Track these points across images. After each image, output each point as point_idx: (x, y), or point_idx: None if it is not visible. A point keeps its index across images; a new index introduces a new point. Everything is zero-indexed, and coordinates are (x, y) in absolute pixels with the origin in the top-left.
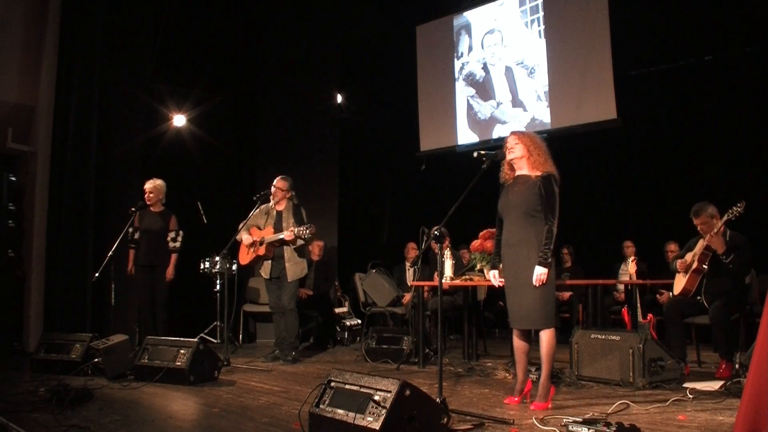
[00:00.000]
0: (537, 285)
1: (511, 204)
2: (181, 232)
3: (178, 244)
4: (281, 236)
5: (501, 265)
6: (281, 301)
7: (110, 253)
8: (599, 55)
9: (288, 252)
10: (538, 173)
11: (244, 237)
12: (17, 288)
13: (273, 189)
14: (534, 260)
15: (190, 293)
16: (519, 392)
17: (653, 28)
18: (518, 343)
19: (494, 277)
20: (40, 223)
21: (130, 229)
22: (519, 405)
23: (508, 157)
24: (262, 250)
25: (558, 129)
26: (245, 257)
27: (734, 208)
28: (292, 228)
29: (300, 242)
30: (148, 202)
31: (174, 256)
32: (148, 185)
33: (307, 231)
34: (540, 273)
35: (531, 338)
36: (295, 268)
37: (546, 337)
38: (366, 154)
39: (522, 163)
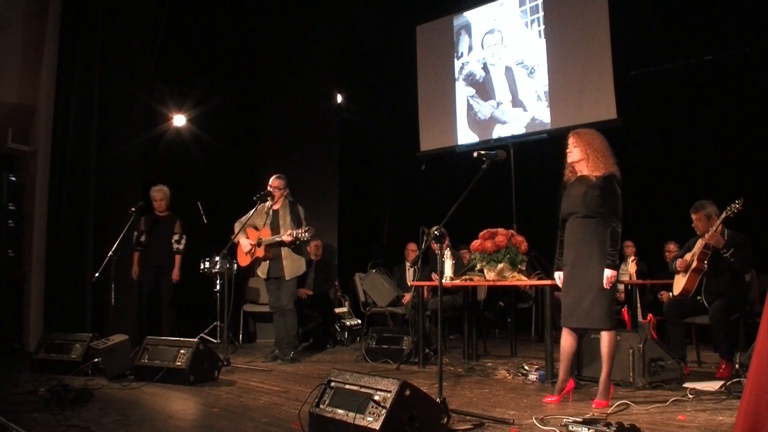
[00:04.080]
0: (607, 287)
1: (572, 205)
2: (185, 236)
3: (182, 247)
4: (280, 239)
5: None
6: (280, 301)
7: (110, 253)
8: (599, 55)
9: (285, 251)
10: (598, 174)
11: (242, 241)
12: (17, 288)
13: (271, 189)
14: (594, 259)
15: (190, 293)
16: (559, 391)
17: (653, 28)
18: (568, 341)
19: (558, 278)
20: (40, 223)
21: (136, 233)
22: (552, 404)
23: (568, 159)
24: (260, 252)
25: (558, 129)
26: (244, 259)
27: (733, 204)
28: (290, 231)
29: (298, 241)
30: (159, 209)
31: (178, 258)
32: (158, 194)
33: (306, 233)
34: (609, 275)
35: (579, 338)
36: (293, 266)
37: (606, 337)
38: (366, 154)
39: (581, 165)
